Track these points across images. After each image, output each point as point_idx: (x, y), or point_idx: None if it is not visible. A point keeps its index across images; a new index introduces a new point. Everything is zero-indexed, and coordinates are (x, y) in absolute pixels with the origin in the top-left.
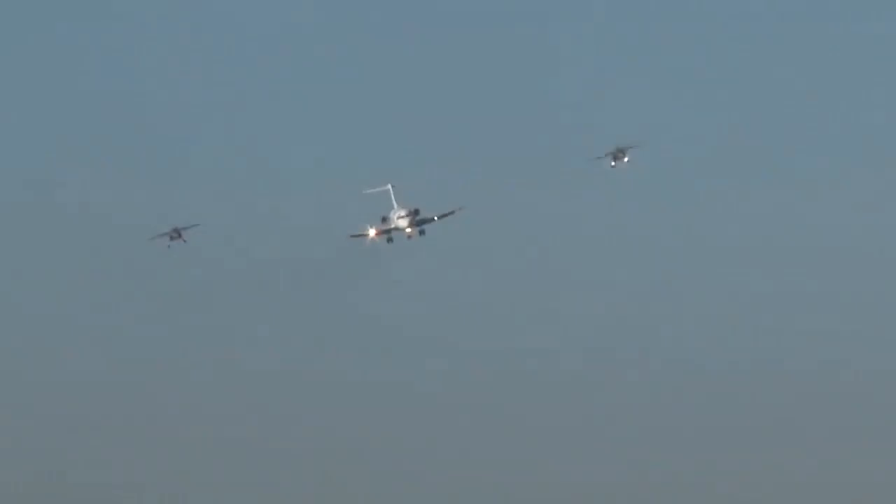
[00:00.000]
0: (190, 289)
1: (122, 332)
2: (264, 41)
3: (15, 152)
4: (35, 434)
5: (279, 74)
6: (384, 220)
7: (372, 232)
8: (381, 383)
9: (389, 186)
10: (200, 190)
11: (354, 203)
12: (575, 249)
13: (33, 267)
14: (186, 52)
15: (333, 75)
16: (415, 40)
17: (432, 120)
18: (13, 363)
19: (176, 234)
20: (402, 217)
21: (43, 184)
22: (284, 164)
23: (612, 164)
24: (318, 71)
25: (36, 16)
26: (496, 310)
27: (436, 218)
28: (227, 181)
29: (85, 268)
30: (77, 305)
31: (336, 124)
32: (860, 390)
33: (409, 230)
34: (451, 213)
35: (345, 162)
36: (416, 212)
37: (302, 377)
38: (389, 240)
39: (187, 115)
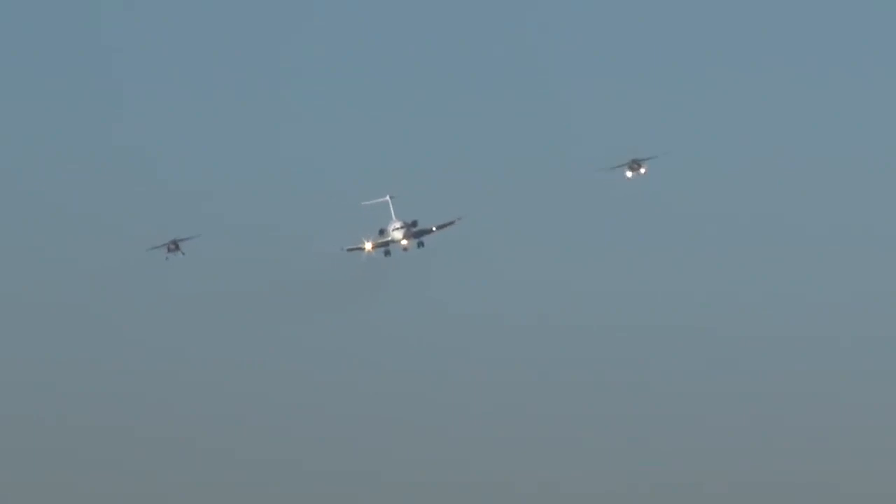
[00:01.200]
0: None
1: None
2: (262, 45)
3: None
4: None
5: (279, 82)
6: (381, 232)
7: (368, 245)
8: (389, 394)
9: (388, 198)
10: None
11: (355, 215)
12: (584, 261)
13: (35, 270)
14: (185, 52)
15: (334, 82)
16: (415, 44)
17: (434, 128)
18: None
19: (174, 245)
20: (397, 229)
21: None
22: (285, 172)
23: (628, 175)
24: (319, 78)
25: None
26: (499, 322)
27: (434, 229)
28: (226, 190)
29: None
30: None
31: (337, 133)
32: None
33: (404, 242)
34: (451, 223)
35: (345, 173)
36: (414, 223)
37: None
38: (387, 253)
39: (186, 124)
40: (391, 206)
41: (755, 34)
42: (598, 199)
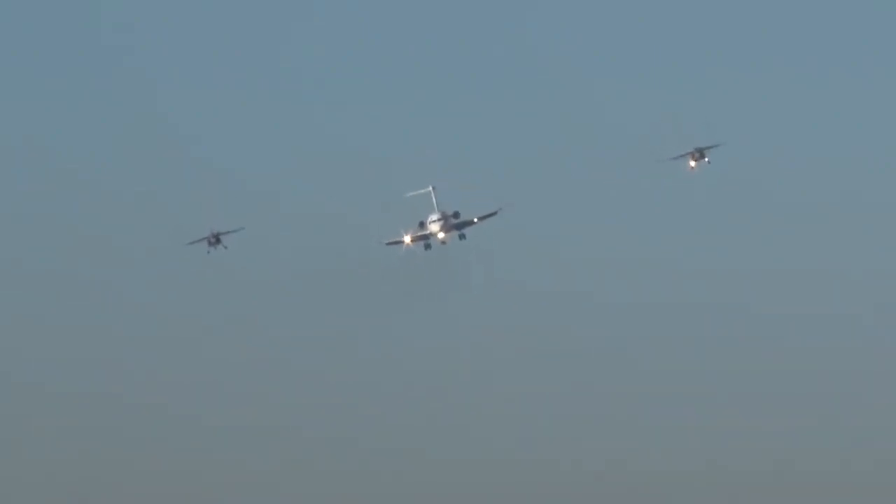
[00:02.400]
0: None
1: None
2: (263, 45)
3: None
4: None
5: (313, 74)
6: (421, 225)
7: (407, 239)
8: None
9: (431, 188)
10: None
11: (399, 207)
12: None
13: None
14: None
15: (370, 75)
16: (452, 33)
17: (480, 117)
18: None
19: (215, 238)
20: (434, 221)
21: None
22: (322, 166)
23: (692, 164)
24: (355, 71)
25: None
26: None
27: (476, 220)
28: (267, 184)
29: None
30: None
31: (379, 124)
32: None
33: (441, 235)
34: (493, 213)
35: (391, 163)
36: (455, 215)
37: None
38: (427, 246)
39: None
40: (433, 197)
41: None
42: (663, 187)
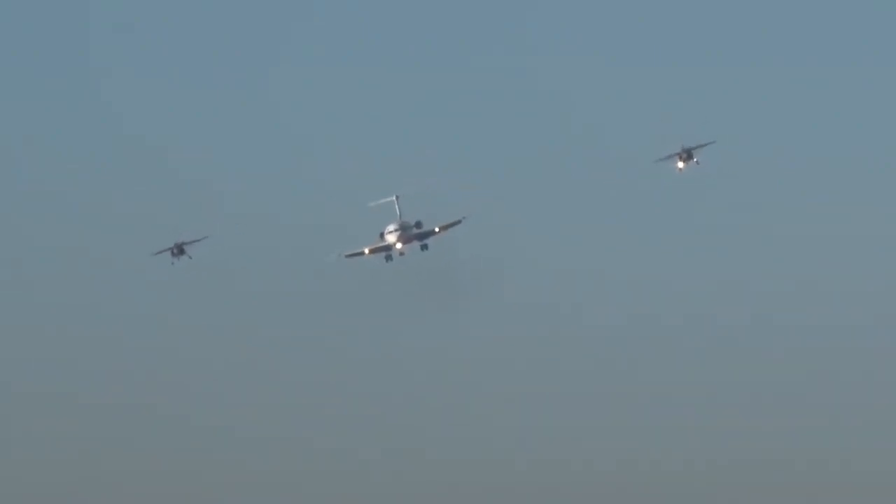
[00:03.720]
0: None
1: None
2: (260, 41)
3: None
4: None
5: (284, 82)
6: (381, 235)
7: (366, 250)
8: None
9: (394, 197)
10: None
11: (361, 217)
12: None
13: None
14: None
15: (340, 79)
16: (423, 35)
17: (448, 122)
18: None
19: (178, 249)
20: (392, 232)
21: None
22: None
23: (680, 166)
24: (324, 75)
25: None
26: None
27: (437, 230)
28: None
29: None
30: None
31: (345, 131)
32: None
33: (399, 246)
34: (457, 222)
35: (353, 173)
36: (417, 224)
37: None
38: (388, 258)
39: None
40: (397, 206)
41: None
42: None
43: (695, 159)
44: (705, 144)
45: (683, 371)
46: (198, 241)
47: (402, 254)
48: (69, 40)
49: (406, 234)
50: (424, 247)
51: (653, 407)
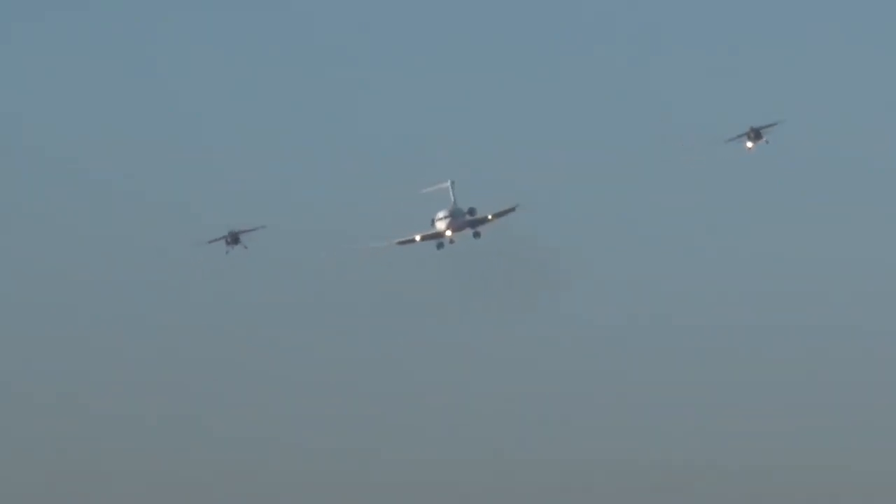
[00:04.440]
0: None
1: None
2: (266, 37)
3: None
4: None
5: (333, 72)
6: (433, 222)
7: (417, 237)
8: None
9: (449, 183)
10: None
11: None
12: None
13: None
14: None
15: (398, 69)
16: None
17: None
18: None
19: (233, 238)
20: (441, 219)
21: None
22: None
23: (749, 146)
24: (381, 67)
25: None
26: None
27: (490, 217)
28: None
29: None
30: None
31: (401, 117)
32: None
33: (448, 233)
34: (511, 209)
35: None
36: (470, 211)
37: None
38: (439, 245)
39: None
40: (452, 192)
41: None
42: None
43: (764, 138)
44: (773, 125)
45: (688, 366)
46: (252, 230)
47: (452, 241)
48: None
49: (456, 220)
50: (477, 234)
51: (653, 407)
